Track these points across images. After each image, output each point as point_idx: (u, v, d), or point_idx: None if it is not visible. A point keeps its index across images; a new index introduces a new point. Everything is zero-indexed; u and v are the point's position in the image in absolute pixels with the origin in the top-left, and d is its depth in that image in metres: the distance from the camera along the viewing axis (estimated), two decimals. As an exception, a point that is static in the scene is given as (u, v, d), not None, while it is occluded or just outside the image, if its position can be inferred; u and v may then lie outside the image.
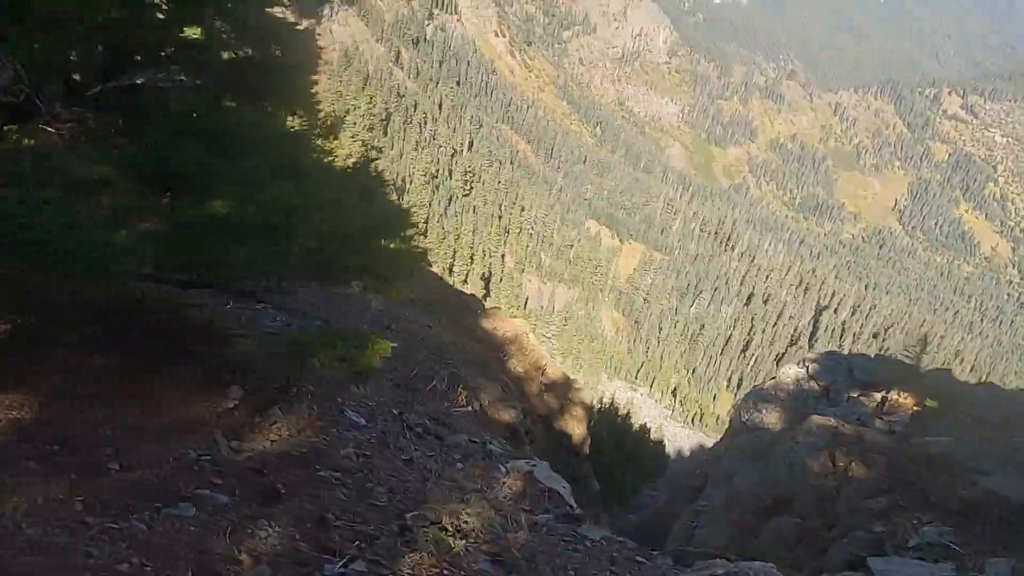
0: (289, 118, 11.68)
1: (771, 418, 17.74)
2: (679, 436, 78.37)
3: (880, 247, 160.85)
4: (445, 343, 10.96)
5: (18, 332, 5.32)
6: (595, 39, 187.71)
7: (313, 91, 9.33)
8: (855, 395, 17.04)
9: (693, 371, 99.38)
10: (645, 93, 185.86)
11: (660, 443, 62.00)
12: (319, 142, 10.69)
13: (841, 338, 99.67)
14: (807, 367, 19.30)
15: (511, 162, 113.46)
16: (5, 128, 6.96)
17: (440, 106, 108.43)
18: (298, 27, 9.26)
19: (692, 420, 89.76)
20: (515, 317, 20.32)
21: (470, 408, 8.22)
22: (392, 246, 7.63)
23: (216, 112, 8.56)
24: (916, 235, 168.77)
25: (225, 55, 7.99)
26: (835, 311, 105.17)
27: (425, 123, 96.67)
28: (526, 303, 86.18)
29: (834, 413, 15.29)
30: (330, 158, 11.36)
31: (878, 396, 16.14)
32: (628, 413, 60.70)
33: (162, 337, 6.11)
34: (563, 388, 15.20)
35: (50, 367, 5.19)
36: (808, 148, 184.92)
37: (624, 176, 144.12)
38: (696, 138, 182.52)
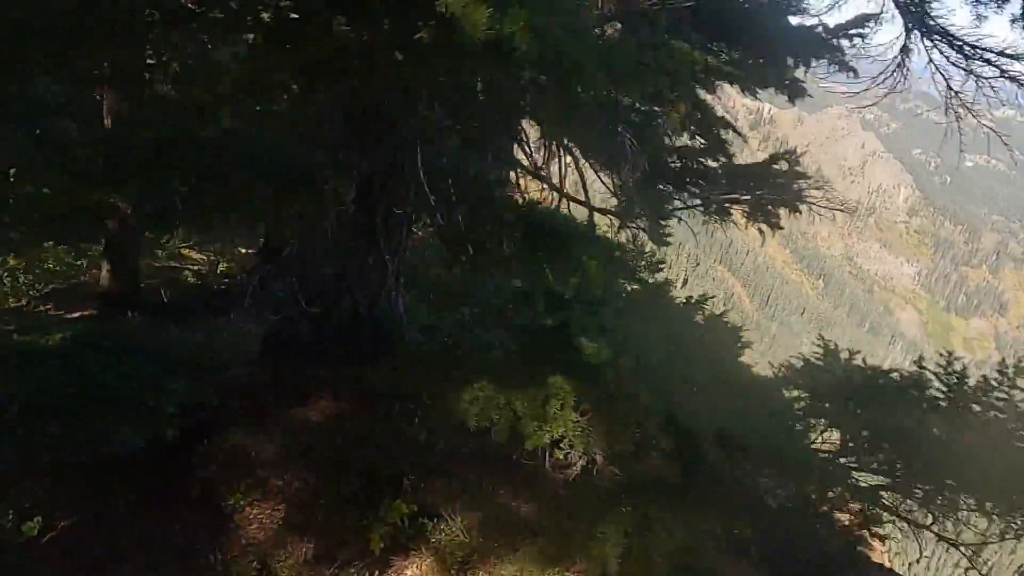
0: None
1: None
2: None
3: None
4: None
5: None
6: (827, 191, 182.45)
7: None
8: None
9: (918, 559, 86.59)
10: (878, 251, 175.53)
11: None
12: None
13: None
14: None
15: (724, 304, 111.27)
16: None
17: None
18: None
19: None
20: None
21: None
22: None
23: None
24: None
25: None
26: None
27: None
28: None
29: None
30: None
31: None
32: None
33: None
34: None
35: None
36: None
37: (846, 334, 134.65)
38: (933, 304, 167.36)
